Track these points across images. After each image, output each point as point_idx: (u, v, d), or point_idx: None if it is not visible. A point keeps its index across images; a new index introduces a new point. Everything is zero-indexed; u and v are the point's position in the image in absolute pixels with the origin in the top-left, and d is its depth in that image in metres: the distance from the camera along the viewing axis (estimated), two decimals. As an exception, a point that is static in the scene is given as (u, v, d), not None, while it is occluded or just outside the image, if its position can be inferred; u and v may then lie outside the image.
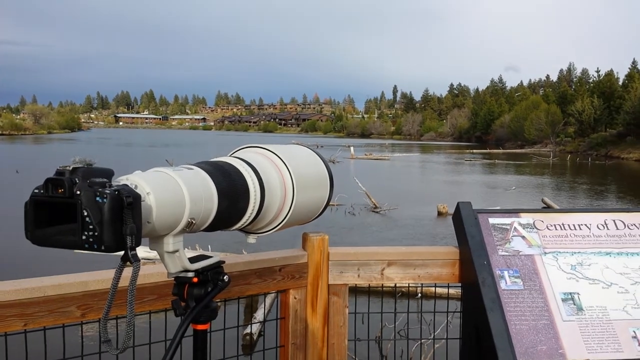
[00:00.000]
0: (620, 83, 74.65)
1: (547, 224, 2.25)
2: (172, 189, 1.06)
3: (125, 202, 0.93)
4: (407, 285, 2.42)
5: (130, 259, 0.96)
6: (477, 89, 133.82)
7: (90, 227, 0.92)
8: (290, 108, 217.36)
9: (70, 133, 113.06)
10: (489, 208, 2.54)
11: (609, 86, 73.40)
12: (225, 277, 1.21)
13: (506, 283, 2.07)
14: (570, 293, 2.05)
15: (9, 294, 1.62)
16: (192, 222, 1.09)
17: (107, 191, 0.92)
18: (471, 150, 65.79)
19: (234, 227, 1.25)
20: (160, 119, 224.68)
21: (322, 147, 56.99)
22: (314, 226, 1.87)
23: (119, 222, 0.93)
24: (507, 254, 2.15)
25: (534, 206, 18.99)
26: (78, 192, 0.92)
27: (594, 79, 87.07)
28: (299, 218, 1.37)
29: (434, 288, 4.78)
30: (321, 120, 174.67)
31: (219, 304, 1.78)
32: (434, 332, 2.92)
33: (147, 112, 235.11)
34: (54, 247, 0.97)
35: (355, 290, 2.37)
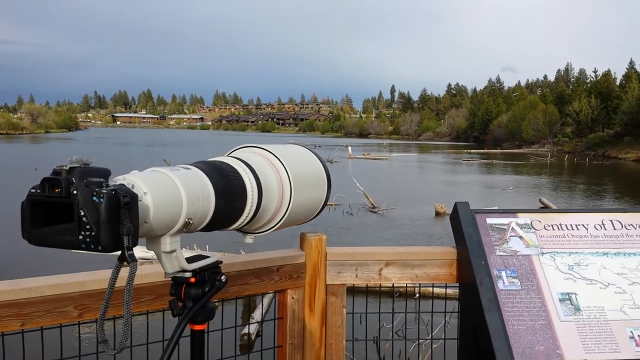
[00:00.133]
0: (618, 83, 74.90)
1: (544, 224, 2.25)
2: (169, 188, 1.05)
3: (122, 201, 0.93)
4: (404, 285, 2.42)
5: (128, 259, 0.96)
6: (475, 89, 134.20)
7: (87, 227, 0.92)
8: (288, 108, 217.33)
9: (68, 132, 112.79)
10: (487, 208, 2.54)
11: (606, 86, 73.59)
12: (222, 277, 1.21)
13: (504, 283, 2.07)
14: (568, 293, 2.05)
15: (6, 293, 1.62)
16: (190, 222, 1.08)
17: (104, 191, 0.92)
18: (469, 150, 65.88)
19: (231, 227, 1.24)
20: (157, 118, 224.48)
21: (319, 146, 57.05)
22: (312, 226, 1.87)
23: (116, 222, 0.93)
24: (504, 254, 2.15)
25: (532, 206, 19.01)
26: (75, 192, 0.92)
27: (592, 79, 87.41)
28: (297, 218, 1.37)
29: (431, 288, 4.78)
30: (319, 120, 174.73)
31: (216, 304, 1.78)
32: (432, 333, 2.92)
33: (144, 112, 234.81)
34: (50, 247, 0.97)
35: (353, 291, 2.37)
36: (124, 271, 1.05)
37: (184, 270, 1.15)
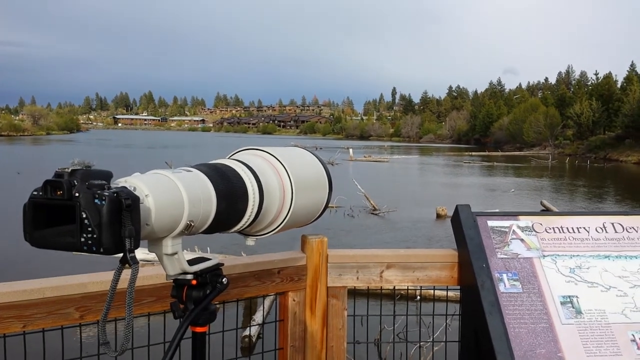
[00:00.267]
0: (619, 86, 74.82)
1: (545, 226, 2.25)
2: (170, 191, 1.06)
3: (124, 204, 0.93)
4: (406, 287, 2.41)
5: (129, 261, 0.96)
6: (476, 92, 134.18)
7: (89, 229, 0.92)
8: (289, 110, 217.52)
9: (69, 134, 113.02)
10: (488, 211, 2.54)
11: (607, 89, 73.51)
12: (224, 280, 1.21)
13: (505, 286, 2.07)
14: (569, 296, 2.05)
15: (7, 295, 1.62)
16: (191, 224, 1.09)
17: (106, 193, 0.92)
18: (470, 153, 65.84)
19: (232, 230, 1.24)
20: (159, 120, 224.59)
21: (320, 149, 57.03)
22: (313, 228, 1.87)
23: (118, 224, 0.93)
24: (505, 256, 2.15)
25: (533, 209, 19.00)
26: (77, 194, 0.92)
27: (593, 81, 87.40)
28: (298, 220, 1.37)
29: (432, 291, 4.78)
30: (320, 122, 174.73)
31: (217, 306, 1.78)
32: (433, 335, 2.92)
33: (146, 114, 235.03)
34: (52, 249, 0.97)
35: (354, 293, 2.37)
36: (126, 273, 1.05)
37: (186, 273, 1.15)
